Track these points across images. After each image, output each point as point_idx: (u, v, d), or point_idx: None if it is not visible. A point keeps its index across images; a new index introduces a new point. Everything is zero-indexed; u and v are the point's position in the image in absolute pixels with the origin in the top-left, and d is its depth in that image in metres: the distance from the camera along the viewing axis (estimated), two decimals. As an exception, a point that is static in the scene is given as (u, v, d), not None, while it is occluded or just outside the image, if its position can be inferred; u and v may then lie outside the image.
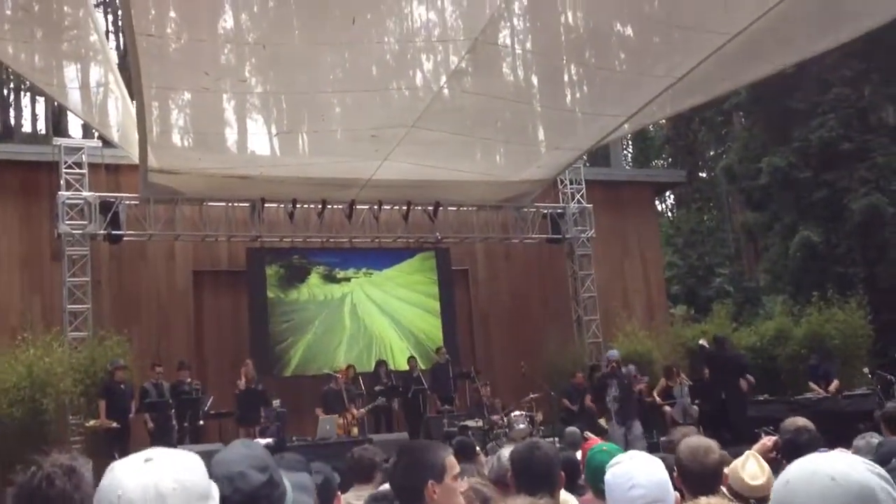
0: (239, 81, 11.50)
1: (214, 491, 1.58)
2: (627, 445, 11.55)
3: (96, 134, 16.06)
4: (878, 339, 17.36)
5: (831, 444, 3.98)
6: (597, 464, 3.53)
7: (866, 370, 14.40)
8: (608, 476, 2.65)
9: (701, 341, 14.86)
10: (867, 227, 21.22)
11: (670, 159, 35.10)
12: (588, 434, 7.74)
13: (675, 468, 3.08)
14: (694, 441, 3.43)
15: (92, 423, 11.84)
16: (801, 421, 4.37)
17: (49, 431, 12.04)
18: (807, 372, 14.92)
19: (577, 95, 13.40)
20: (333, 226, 15.96)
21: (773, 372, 16.60)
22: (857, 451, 4.19)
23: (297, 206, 15.32)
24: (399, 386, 14.53)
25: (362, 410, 13.55)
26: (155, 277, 15.36)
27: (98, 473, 1.81)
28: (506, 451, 3.98)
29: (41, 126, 37.19)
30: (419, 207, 16.27)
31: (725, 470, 3.56)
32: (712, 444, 3.39)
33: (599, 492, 3.51)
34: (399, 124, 12.50)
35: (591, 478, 3.65)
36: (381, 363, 15.02)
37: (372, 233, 16.24)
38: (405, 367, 15.19)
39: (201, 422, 12.86)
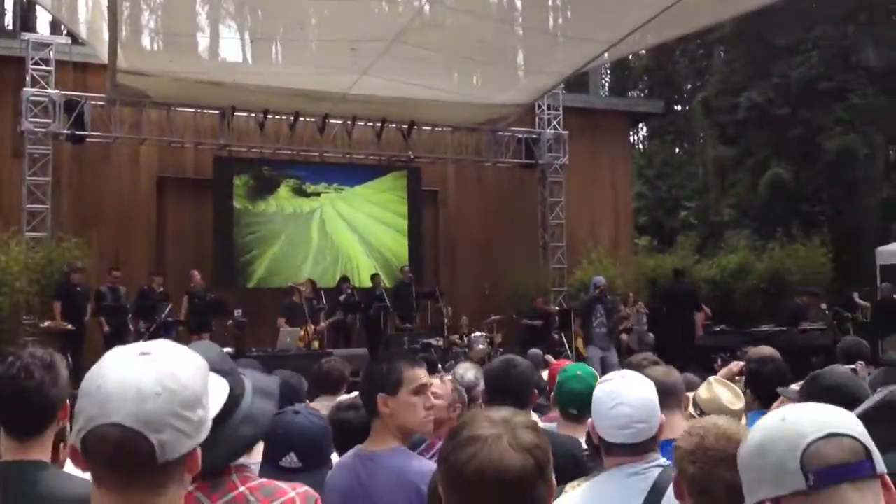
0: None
1: (209, 399, 1.46)
2: (604, 371, 11.67)
3: (65, 31, 15.53)
4: (836, 277, 17.68)
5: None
6: (568, 388, 3.52)
7: (823, 306, 14.64)
8: (596, 392, 2.60)
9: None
10: (838, 167, 21.42)
11: (647, 90, 34.86)
12: (549, 357, 7.77)
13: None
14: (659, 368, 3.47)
15: (47, 323, 11.71)
16: (766, 350, 4.34)
17: (3, 330, 11.93)
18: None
19: (560, 21, 13.21)
20: (305, 139, 15.71)
21: (731, 305, 16.88)
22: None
23: (269, 116, 15.00)
24: (361, 302, 14.51)
25: (323, 324, 13.57)
26: (118, 181, 15.06)
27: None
28: (461, 369, 3.95)
29: (8, 20, 35.97)
30: (393, 125, 16.04)
31: (690, 395, 3.59)
32: (672, 368, 3.46)
33: (569, 415, 3.51)
34: (378, 38, 12.20)
35: (561, 400, 3.64)
36: (344, 279, 14.96)
37: (344, 148, 16.04)
38: (370, 284, 15.17)
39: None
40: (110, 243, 14.54)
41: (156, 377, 1.36)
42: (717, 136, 27.22)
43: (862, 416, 1.45)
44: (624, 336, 14.41)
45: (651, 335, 14.35)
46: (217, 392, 1.68)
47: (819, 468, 1.32)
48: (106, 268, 13.15)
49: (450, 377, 3.70)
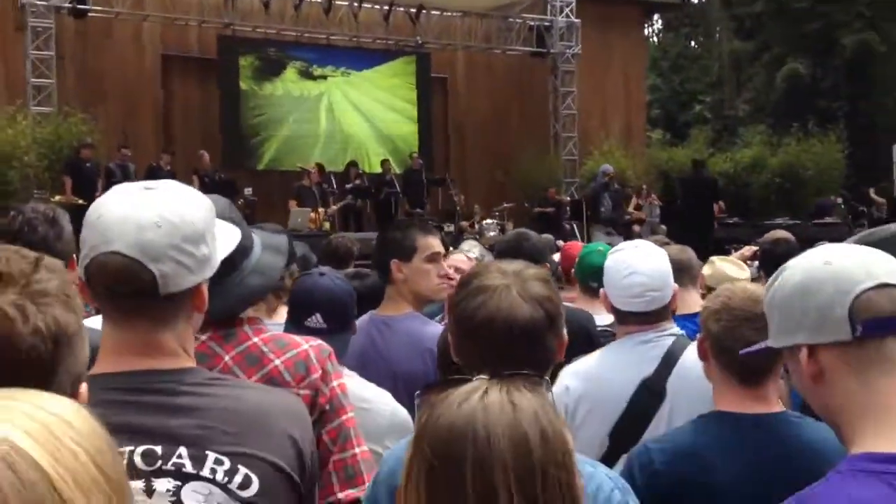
0: None
1: (214, 239, 1.45)
2: None
3: None
4: (851, 174, 17.64)
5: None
6: (589, 261, 3.52)
7: (839, 200, 14.66)
8: (608, 262, 2.57)
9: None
10: (856, 64, 21.03)
11: (663, -19, 33.91)
12: (560, 243, 7.73)
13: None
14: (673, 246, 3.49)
15: (58, 198, 11.69)
16: (780, 233, 4.36)
17: (24, 202, 11.96)
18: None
19: None
20: (311, 20, 15.44)
21: (745, 198, 16.88)
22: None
23: (273, -6, 14.68)
24: (371, 187, 14.50)
25: (334, 207, 13.60)
26: (121, 58, 14.86)
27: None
28: (466, 245, 3.95)
29: None
30: (401, 9, 15.71)
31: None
32: (686, 247, 3.47)
33: (589, 289, 3.51)
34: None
35: (581, 274, 3.65)
36: (352, 164, 14.93)
37: (351, 31, 15.76)
38: (379, 169, 15.11)
39: None
40: (117, 120, 14.43)
41: (157, 210, 1.36)
42: (734, 29, 26.64)
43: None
44: (636, 227, 14.43)
45: (663, 227, 14.36)
46: (227, 236, 1.65)
47: (867, 319, 1.24)
48: (113, 144, 13.10)
49: (475, 254, 3.71)
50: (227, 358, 1.75)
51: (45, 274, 1.09)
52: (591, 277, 3.43)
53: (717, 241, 12.57)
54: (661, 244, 3.64)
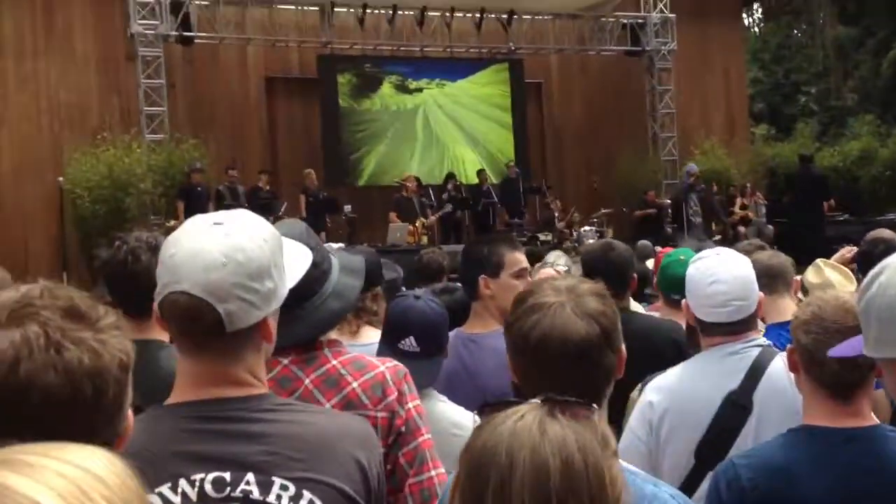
0: None
1: (281, 272, 1.50)
2: None
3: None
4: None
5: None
6: (671, 272, 3.41)
7: None
8: (690, 271, 2.51)
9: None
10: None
11: (762, -31, 32.87)
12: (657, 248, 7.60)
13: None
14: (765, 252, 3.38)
15: (172, 223, 12.15)
16: (885, 233, 4.16)
17: (132, 231, 12.44)
18: None
19: None
20: (405, 33, 15.62)
21: (855, 193, 16.19)
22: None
23: (367, 10, 14.92)
24: (469, 198, 14.51)
25: (433, 218, 13.66)
26: (228, 82, 15.33)
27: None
28: (552, 256, 3.93)
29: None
30: (493, 15, 15.72)
31: (798, 278, 3.47)
32: (778, 252, 3.35)
33: (672, 301, 3.41)
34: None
35: (663, 285, 3.54)
36: (450, 176, 14.96)
37: (444, 42, 15.86)
38: (476, 180, 15.14)
39: None
40: (225, 144, 14.86)
41: (223, 248, 1.40)
42: (837, 14, 25.59)
43: None
44: (741, 229, 14.01)
45: (770, 227, 13.89)
46: (298, 261, 1.71)
47: None
48: (222, 168, 13.49)
49: (564, 267, 3.70)
50: (307, 381, 1.80)
51: (105, 308, 1.15)
52: (672, 288, 3.31)
53: (828, 241, 12.08)
54: (756, 248, 3.55)
